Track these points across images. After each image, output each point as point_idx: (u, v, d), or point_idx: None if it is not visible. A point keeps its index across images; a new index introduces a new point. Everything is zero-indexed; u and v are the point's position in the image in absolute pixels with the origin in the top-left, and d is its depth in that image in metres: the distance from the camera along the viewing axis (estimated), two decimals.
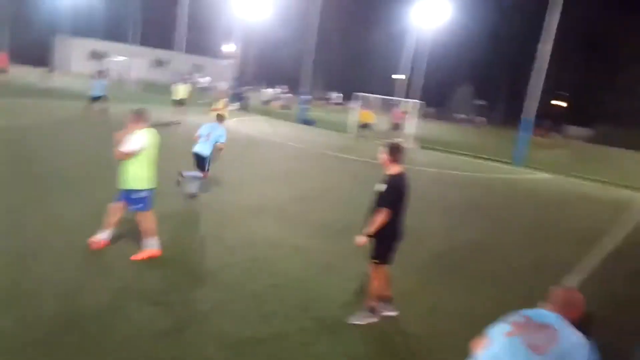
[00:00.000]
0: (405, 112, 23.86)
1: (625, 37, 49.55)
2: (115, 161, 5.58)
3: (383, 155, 4.79)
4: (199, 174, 8.43)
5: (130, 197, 5.56)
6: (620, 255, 8.81)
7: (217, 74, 54.33)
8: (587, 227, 10.61)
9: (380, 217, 4.60)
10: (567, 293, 2.86)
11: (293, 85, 43.77)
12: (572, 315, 2.71)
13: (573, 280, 6.93)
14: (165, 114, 18.08)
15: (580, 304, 2.79)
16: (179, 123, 17.89)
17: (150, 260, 5.63)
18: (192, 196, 8.46)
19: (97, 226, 5.76)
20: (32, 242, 5.69)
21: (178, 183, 8.38)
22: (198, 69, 60.23)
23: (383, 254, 4.82)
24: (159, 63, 57.15)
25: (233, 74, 33.20)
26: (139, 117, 5.48)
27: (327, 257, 6.63)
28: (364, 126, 23.11)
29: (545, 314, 2.70)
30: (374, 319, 4.95)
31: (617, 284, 7.25)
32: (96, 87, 16.65)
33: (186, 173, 8.40)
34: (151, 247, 5.69)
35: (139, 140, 5.39)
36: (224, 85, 31.30)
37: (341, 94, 55.05)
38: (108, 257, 5.60)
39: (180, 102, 19.53)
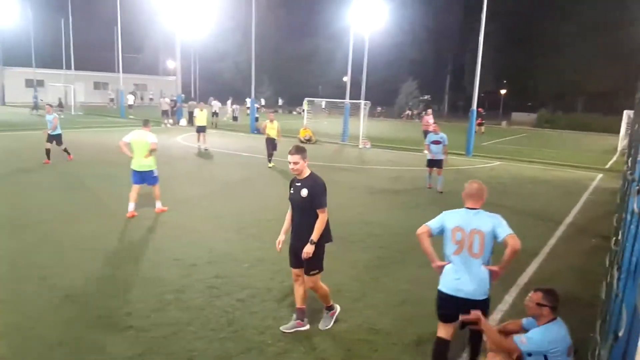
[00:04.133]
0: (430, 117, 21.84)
1: (546, 26, 52.21)
2: None
3: (298, 160, 4.48)
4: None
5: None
6: (576, 231, 9.16)
7: (162, 91, 53.57)
8: (543, 208, 11.01)
9: (322, 219, 4.49)
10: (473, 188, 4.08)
11: (238, 96, 43.53)
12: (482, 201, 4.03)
13: (537, 259, 7.16)
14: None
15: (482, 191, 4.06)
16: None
17: (108, 285, 5.50)
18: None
19: None
20: None
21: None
22: (142, 88, 58.95)
23: (321, 262, 4.66)
24: (98, 86, 55.58)
25: (177, 89, 32.77)
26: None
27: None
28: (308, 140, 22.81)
29: (458, 216, 4.01)
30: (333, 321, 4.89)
31: (575, 259, 7.51)
32: (51, 122, 13.71)
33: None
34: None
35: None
36: (165, 101, 30.90)
37: (283, 100, 56.46)
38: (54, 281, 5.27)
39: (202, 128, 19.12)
